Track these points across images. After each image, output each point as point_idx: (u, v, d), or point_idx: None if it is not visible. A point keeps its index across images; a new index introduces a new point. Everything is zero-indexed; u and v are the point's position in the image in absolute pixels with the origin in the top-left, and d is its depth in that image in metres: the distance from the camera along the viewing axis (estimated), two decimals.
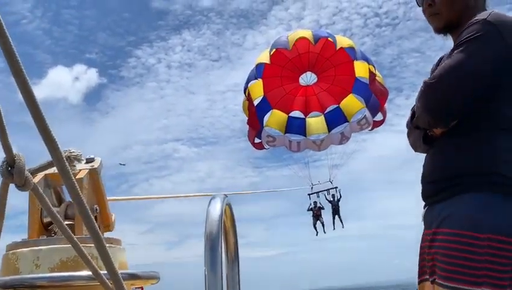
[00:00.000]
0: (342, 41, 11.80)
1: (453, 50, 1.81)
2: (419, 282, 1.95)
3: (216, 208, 1.18)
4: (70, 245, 1.26)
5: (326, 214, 17.88)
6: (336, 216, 17.75)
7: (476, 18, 1.78)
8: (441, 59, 2.10)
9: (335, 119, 12.91)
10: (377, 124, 12.80)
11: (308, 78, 12.97)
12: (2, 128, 0.84)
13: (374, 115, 12.20)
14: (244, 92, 12.66)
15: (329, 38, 11.56)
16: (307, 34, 11.59)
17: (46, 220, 1.43)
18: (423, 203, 1.98)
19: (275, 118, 12.89)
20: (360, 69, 11.90)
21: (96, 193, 1.51)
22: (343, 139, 13.07)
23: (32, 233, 1.37)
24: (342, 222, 17.92)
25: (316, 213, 17.79)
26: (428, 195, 1.90)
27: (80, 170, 1.43)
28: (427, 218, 1.89)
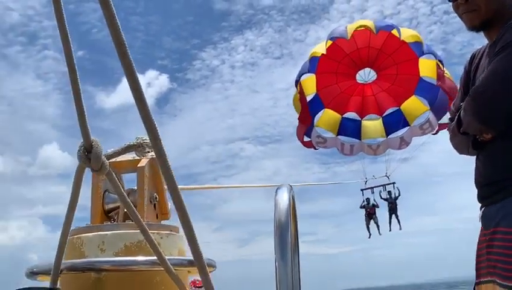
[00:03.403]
0: (407, 34, 11.54)
1: (495, 54, 1.88)
2: (477, 284, 2.03)
3: (284, 197, 1.28)
4: (133, 231, 1.38)
5: (382, 213, 17.06)
6: (393, 215, 16.94)
7: None
8: (473, 56, 2.19)
9: (394, 123, 12.69)
10: (444, 126, 12.42)
11: (366, 75, 12.84)
12: (81, 114, 0.95)
13: (440, 116, 11.88)
14: (296, 85, 12.66)
15: (392, 32, 11.35)
16: (368, 23, 11.42)
17: (108, 207, 1.56)
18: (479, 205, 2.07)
19: (327, 118, 12.86)
20: (426, 68, 11.63)
21: (155, 181, 1.63)
22: (403, 144, 12.86)
23: (95, 219, 1.50)
24: (399, 223, 17.07)
25: (369, 212, 16.98)
26: (485, 196, 2.01)
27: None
28: (485, 219, 2.00)
